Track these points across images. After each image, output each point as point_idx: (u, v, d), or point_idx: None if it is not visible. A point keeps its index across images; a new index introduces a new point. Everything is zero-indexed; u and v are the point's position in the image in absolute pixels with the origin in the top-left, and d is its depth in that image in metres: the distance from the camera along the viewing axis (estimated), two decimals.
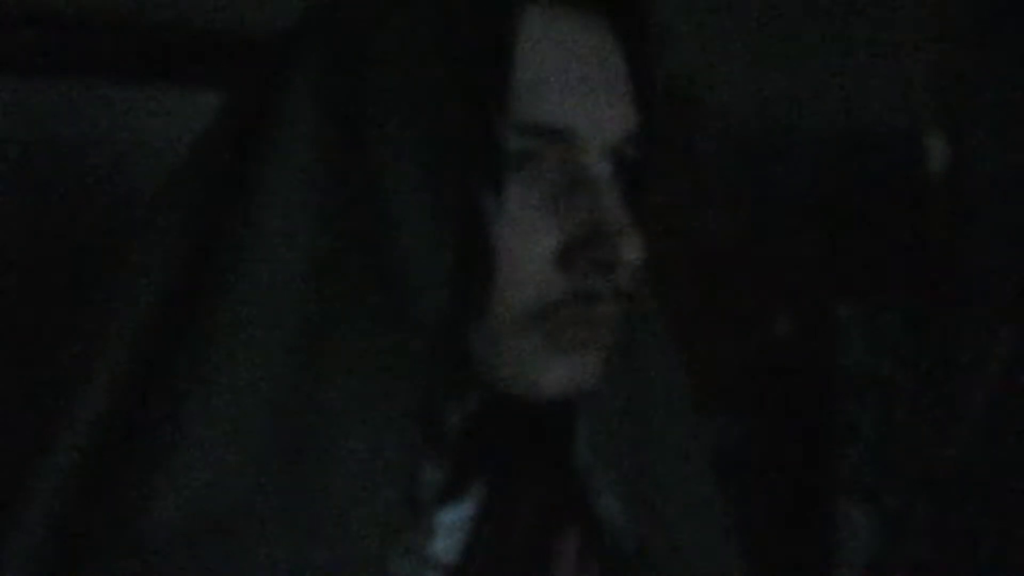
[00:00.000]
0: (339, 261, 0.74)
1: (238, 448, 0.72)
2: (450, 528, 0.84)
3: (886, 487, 1.90)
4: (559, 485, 0.86)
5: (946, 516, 1.89)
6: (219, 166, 0.79)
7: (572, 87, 0.76)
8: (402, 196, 0.73)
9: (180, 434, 0.72)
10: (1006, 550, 1.85)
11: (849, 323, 1.93)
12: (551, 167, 0.77)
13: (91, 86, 1.29)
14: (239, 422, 0.72)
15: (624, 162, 0.80)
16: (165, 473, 0.71)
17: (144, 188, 1.27)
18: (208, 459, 0.72)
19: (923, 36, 2.10)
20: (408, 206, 0.73)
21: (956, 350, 1.93)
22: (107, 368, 0.77)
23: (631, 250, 0.75)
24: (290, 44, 0.80)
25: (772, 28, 2.02)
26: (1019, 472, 1.85)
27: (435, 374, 0.74)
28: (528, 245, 0.75)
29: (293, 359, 0.73)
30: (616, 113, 0.78)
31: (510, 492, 0.85)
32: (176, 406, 0.73)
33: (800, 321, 1.94)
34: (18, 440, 0.80)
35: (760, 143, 1.96)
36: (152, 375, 0.75)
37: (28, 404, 0.81)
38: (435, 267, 0.73)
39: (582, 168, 0.77)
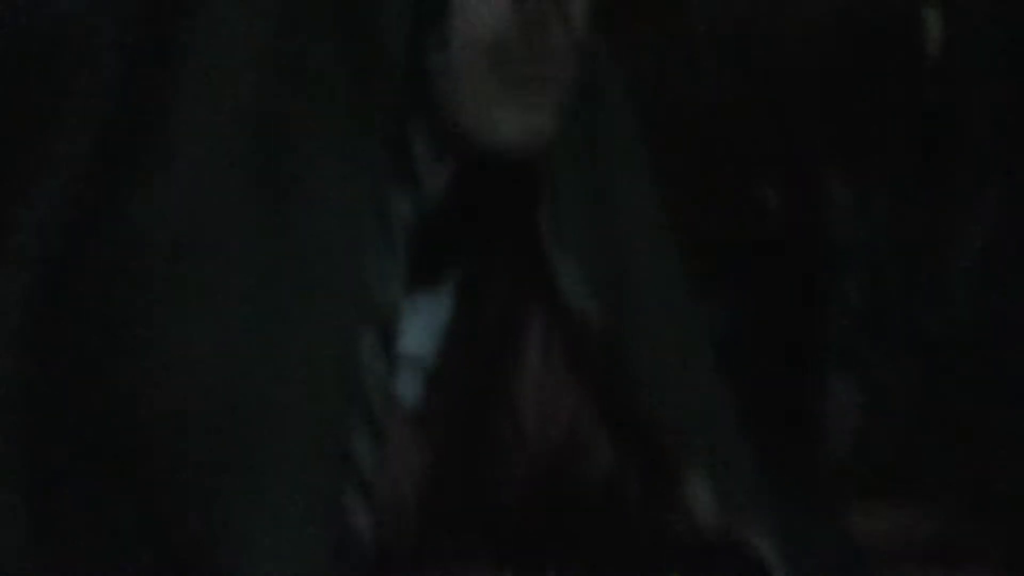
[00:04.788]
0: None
1: (216, 172, 0.76)
2: (424, 314, 0.87)
3: (875, 358, 1.89)
4: (526, 269, 0.90)
5: (934, 386, 1.88)
6: None
7: None
8: None
9: (161, 156, 0.76)
10: (992, 420, 1.85)
11: (839, 194, 1.92)
12: None
13: None
14: (216, 147, 0.77)
15: None
16: (150, 195, 0.76)
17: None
18: (188, 181, 0.76)
19: None
20: None
21: (944, 218, 1.92)
22: (85, 118, 0.81)
23: None
24: None
25: None
26: (1008, 337, 1.85)
27: (402, 105, 0.79)
28: None
29: (267, 90, 0.77)
30: None
31: (482, 279, 0.90)
32: (157, 133, 0.77)
33: (790, 192, 1.93)
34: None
35: (753, 13, 1.93)
36: (133, 117, 0.79)
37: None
38: None
39: None
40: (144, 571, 0.75)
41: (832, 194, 1.93)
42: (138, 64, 0.80)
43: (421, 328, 0.88)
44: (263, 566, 0.74)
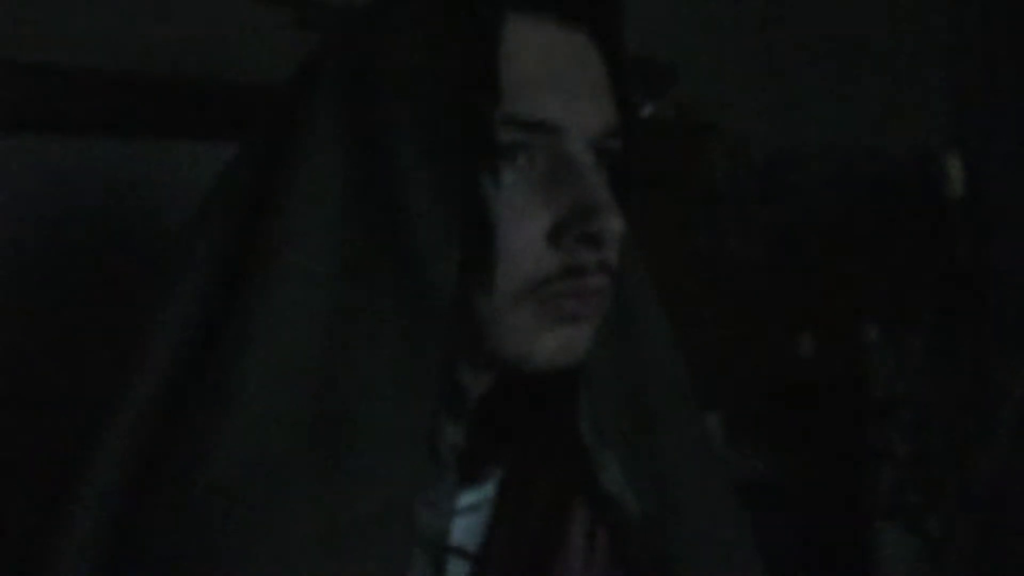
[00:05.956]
0: (365, 251, 0.82)
1: (281, 416, 0.80)
2: (469, 510, 0.91)
3: (925, 509, 1.88)
4: (567, 463, 0.93)
5: (988, 537, 1.86)
6: (253, 183, 0.88)
7: (554, 86, 0.85)
8: (414, 190, 0.82)
9: (229, 406, 0.80)
10: None
11: (876, 345, 1.92)
12: (541, 156, 0.85)
13: (103, 141, 1.33)
14: (281, 393, 0.80)
15: (607, 153, 0.88)
16: (218, 440, 0.79)
17: (155, 231, 1.31)
18: (254, 426, 0.79)
19: (936, 58, 2.10)
20: (420, 198, 0.82)
21: (985, 367, 1.91)
22: (158, 358, 0.86)
23: (613, 224, 0.83)
24: (305, 79, 0.89)
25: (788, 55, 2.03)
26: None
27: (451, 343, 0.82)
28: (523, 226, 0.83)
29: (329, 337, 0.81)
30: (596, 109, 0.87)
31: (524, 474, 0.94)
32: (224, 380, 0.81)
33: (827, 345, 1.93)
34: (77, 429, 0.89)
35: (783, 168, 1.97)
36: (202, 356, 0.84)
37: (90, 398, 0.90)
38: (446, 249, 0.81)
39: (568, 156, 0.85)
40: None
41: (868, 343, 1.93)
42: (210, 316, 0.85)
43: (466, 519, 0.91)
44: None
